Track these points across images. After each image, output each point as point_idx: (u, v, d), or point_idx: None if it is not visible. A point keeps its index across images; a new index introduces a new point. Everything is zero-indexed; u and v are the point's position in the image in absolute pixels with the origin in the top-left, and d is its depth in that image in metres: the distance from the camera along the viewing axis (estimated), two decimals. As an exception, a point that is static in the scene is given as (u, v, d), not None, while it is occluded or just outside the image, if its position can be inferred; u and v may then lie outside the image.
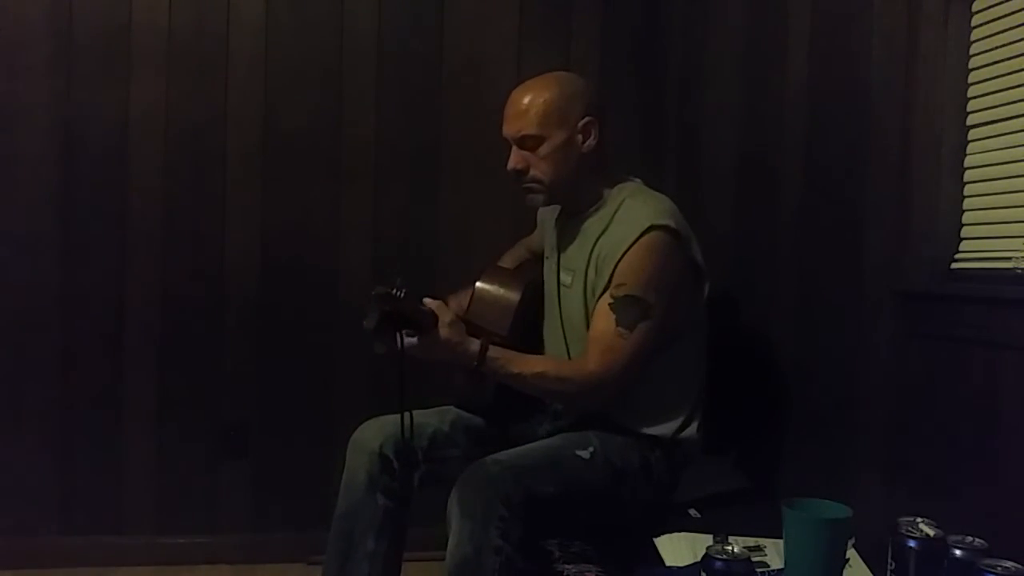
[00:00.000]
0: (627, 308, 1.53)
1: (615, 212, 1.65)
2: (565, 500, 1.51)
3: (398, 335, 1.45)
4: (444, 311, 1.52)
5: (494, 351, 1.53)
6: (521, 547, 1.41)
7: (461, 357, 1.52)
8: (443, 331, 1.50)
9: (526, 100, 1.65)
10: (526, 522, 1.42)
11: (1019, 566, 0.99)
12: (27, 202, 2.38)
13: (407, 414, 1.56)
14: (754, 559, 1.13)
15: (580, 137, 1.66)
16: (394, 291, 1.41)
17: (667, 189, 1.75)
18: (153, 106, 2.42)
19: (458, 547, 1.40)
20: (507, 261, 1.99)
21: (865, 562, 1.28)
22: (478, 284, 1.74)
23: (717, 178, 2.32)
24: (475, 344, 1.52)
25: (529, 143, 1.65)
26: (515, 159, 1.67)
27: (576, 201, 1.72)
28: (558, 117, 1.64)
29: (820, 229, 1.81)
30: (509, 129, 1.67)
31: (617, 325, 1.53)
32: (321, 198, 2.51)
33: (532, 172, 1.66)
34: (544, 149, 1.64)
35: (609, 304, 1.55)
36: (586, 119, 1.65)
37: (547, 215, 1.88)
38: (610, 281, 1.57)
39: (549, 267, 1.80)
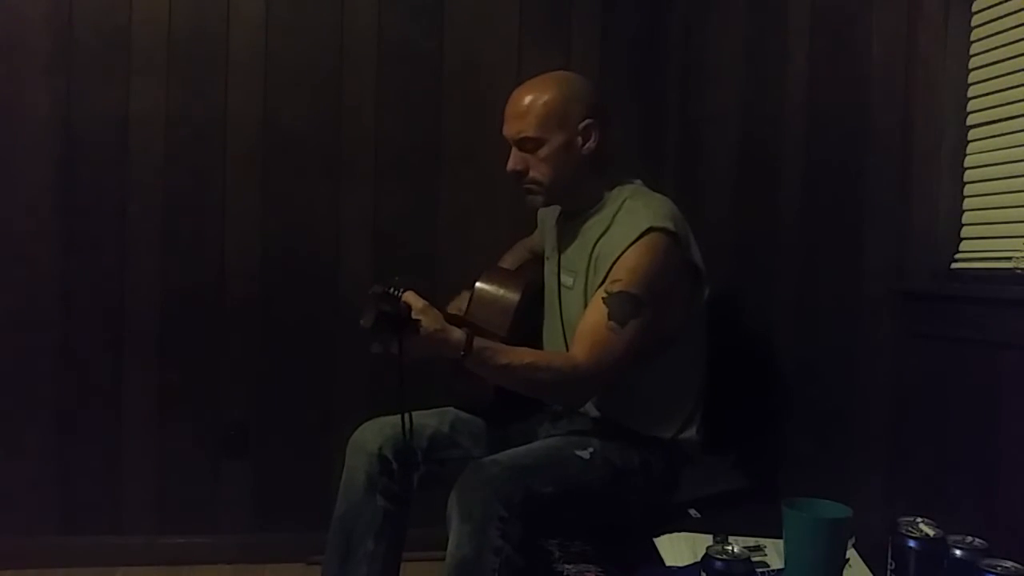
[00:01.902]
0: (620, 304, 1.52)
1: (615, 213, 1.65)
2: (565, 500, 1.51)
3: (396, 335, 1.43)
4: (415, 299, 1.44)
5: (480, 341, 1.47)
6: (521, 547, 1.41)
7: (443, 347, 1.44)
8: (421, 320, 1.41)
9: (526, 101, 1.64)
10: (526, 522, 1.42)
11: (1019, 566, 0.99)
12: (27, 201, 2.38)
13: (407, 415, 1.56)
14: (754, 559, 1.13)
15: (580, 140, 1.65)
16: (391, 290, 1.40)
17: (667, 189, 1.76)
18: (153, 106, 2.42)
19: (458, 548, 1.40)
20: (507, 262, 1.98)
21: (865, 562, 1.28)
22: (477, 284, 1.73)
23: (717, 178, 2.32)
24: (458, 333, 1.45)
25: (528, 145, 1.64)
26: (514, 160, 1.67)
27: (576, 202, 1.72)
28: (558, 119, 1.63)
29: (820, 229, 1.82)
30: (509, 130, 1.67)
31: (608, 319, 1.52)
32: (321, 198, 2.51)
33: (531, 174, 1.66)
34: (543, 151, 1.64)
35: (603, 299, 1.54)
36: (586, 121, 1.64)
37: (548, 215, 1.88)
38: (606, 278, 1.56)
39: (550, 268, 1.80)
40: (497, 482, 1.43)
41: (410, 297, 1.43)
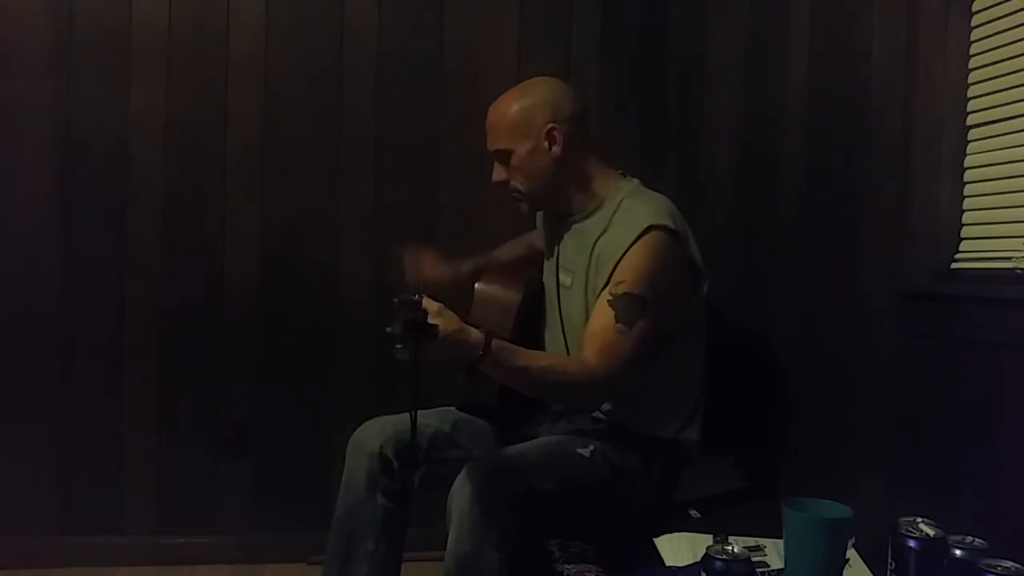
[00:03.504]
0: (626, 305, 1.53)
1: (614, 213, 1.65)
2: (565, 497, 1.51)
3: (416, 340, 1.42)
4: (431, 303, 1.42)
5: (498, 342, 1.45)
6: (521, 544, 1.41)
7: (461, 348, 1.43)
8: (438, 323, 1.39)
9: (495, 115, 1.70)
10: (526, 519, 1.42)
11: (1019, 566, 0.99)
12: (27, 202, 2.38)
13: (414, 415, 1.54)
14: (754, 559, 1.13)
15: (546, 144, 1.67)
16: (416, 297, 1.41)
17: (667, 189, 1.76)
18: (153, 106, 2.42)
19: (458, 544, 1.40)
20: (505, 251, 1.99)
21: (865, 562, 1.28)
22: (478, 286, 1.74)
23: (717, 178, 2.32)
24: (476, 334, 1.43)
25: (502, 156, 1.70)
26: (496, 172, 1.73)
27: (566, 204, 1.73)
28: (523, 128, 1.67)
29: (820, 229, 1.82)
30: (488, 144, 1.72)
31: (616, 321, 1.52)
32: (321, 198, 2.51)
33: (512, 183, 1.71)
34: (514, 160, 1.69)
35: (608, 301, 1.54)
36: (548, 126, 1.66)
37: (543, 216, 1.89)
38: (609, 279, 1.57)
39: (548, 268, 1.80)
40: (498, 478, 1.43)
41: (426, 301, 1.42)
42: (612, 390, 1.58)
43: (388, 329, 1.33)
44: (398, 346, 1.34)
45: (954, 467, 1.38)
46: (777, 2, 1.99)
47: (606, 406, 1.65)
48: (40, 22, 2.37)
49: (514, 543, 1.40)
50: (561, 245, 1.75)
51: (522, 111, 1.68)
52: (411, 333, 1.34)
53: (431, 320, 1.40)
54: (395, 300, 1.36)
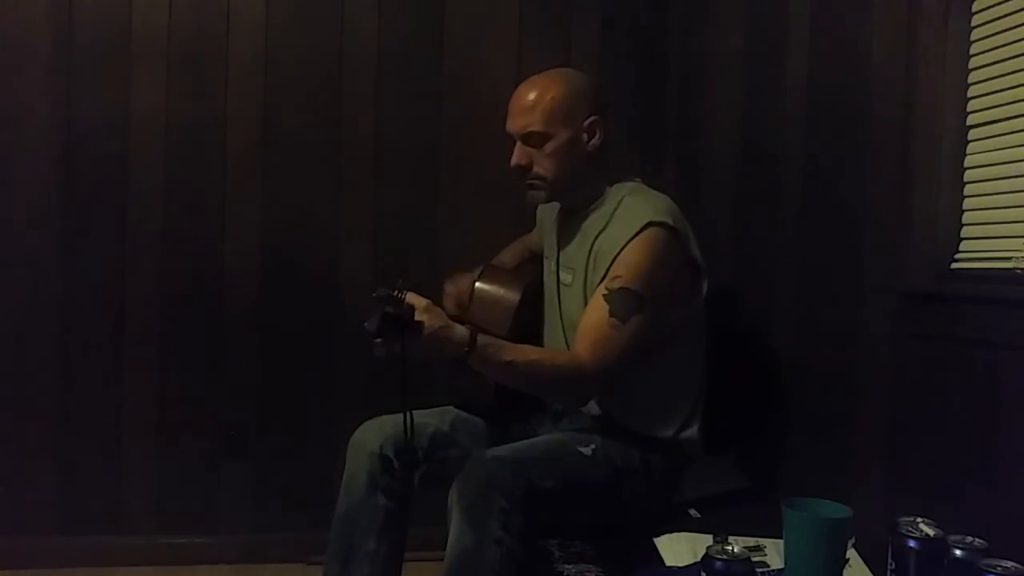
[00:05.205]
0: (621, 300, 1.52)
1: (614, 210, 1.65)
2: (565, 494, 1.51)
3: (400, 336, 1.42)
4: (418, 299, 1.42)
5: (484, 338, 1.46)
6: (522, 539, 1.41)
7: (447, 345, 1.43)
8: (424, 320, 1.40)
9: (532, 96, 1.64)
10: (527, 514, 1.41)
11: (1019, 566, 0.99)
12: (27, 202, 2.38)
13: (408, 414, 1.55)
14: (754, 559, 1.13)
15: (585, 136, 1.66)
16: (396, 292, 1.40)
17: (667, 188, 1.76)
18: (153, 106, 2.42)
19: (459, 539, 1.40)
20: (506, 258, 1.98)
21: (865, 562, 1.28)
22: (477, 285, 1.73)
23: (717, 178, 2.32)
24: (461, 330, 1.44)
25: (534, 139, 1.65)
26: (519, 155, 1.66)
27: (577, 198, 1.72)
28: (564, 115, 1.64)
29: (820, 229, 1.82)
30: (514, 125, 1.67)
31: (610, 316, 1.52)
32: (321, 198, 2.51)
33: (535, 169, 1.66)
34: (549, 146, 1.64)
35: (603, 295, 1.54)
36: (592, 118, 1.65)
37: (546, 214, 1.88)
38: (606, 274, 1.56)
39: (549, 266, 1.80)
40: (499, 474, 1.43)
41: (413, 297, 1.42)
42: (603, 385, 1.58)
43: (366, 324, 1.31)
44: (377, 341, 1.32)
45: (954, 467, 1.39)
46: (777, 2, 2.00)
47: (607, 404, 1.65)
48: (40, 22, 2.37)
49: (515, 537, 1.40)
50: (563, 243, 1.75)
51: (568, 97, 1.64)
52: (389, 328, 1.32)
53: (417, 317, 1.39)
54: (373, 294, 1.35)
